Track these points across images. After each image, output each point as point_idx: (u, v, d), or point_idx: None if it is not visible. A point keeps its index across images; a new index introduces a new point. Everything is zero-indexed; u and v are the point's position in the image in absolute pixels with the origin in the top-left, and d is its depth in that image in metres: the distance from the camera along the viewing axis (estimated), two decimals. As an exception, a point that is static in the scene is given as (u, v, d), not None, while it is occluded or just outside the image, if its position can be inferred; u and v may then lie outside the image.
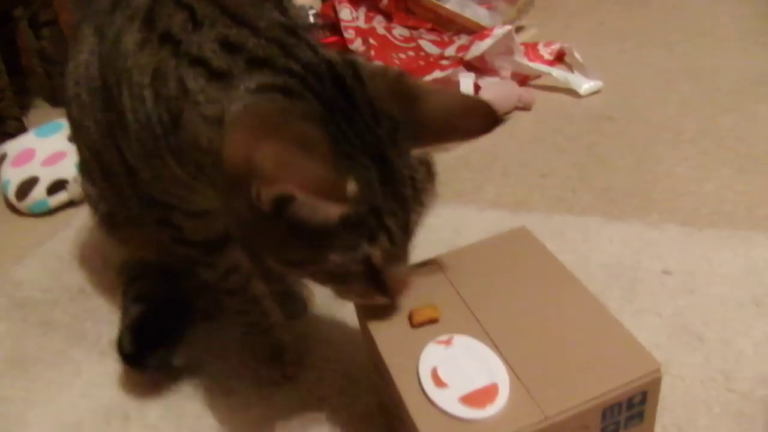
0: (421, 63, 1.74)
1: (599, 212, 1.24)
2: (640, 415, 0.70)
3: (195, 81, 0.72)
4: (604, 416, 0.67)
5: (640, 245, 1.14)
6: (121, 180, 0.94)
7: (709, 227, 1.17)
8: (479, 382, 0.68)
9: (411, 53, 1.81)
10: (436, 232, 1.24)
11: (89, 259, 1.35)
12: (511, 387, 0.67)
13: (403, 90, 0.70)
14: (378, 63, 0.73)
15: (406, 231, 0.72)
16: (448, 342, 0.73)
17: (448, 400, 0.67)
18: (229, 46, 0.72)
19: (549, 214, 1.25)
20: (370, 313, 0.80)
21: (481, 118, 0.72)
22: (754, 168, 1.32)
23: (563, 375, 0.68)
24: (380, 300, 0.76)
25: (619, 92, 1.64)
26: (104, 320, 1.18)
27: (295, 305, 1.11)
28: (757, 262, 1.08)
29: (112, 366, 1.08)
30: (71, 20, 1.98)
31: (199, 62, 0.73)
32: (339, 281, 0.75)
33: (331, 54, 0.73)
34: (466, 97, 0.69)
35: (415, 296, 0.80)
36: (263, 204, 0.63)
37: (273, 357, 1.02)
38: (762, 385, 0.90)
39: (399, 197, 0.70)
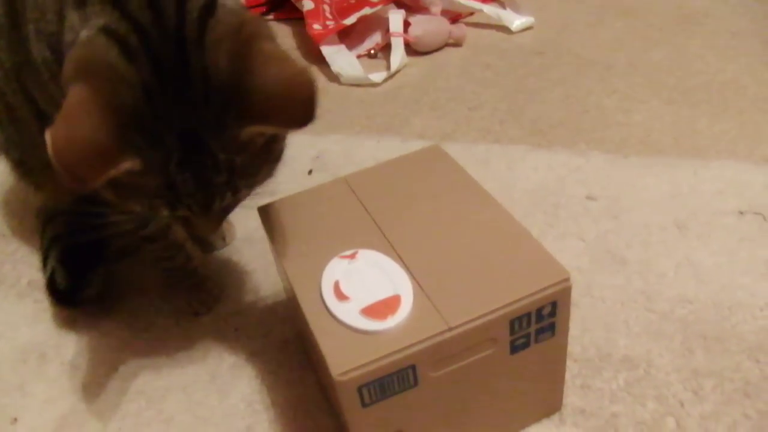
0: (352, 1, 1.69)
1: (526, 142, 1.22)
2: (551, 328, 0.68)
3: (67, 7, 0.67)
4: (512, 328, 0.65)
5: (565, 172, 1.12)
6: (31, 126, 0.89)
7: (635, 155, 1.16)
8: (381, 294, 0.65)
9: (342, -9, 1.76)
10: (360, 165, 1.20)
11: (9, 202, 1.29)
12: (414, 298, 0.65)
13: (244, 58, 0.63)
14: (237, 17, 0.65)
15: (208, 210, 0.69)
16: (352, 256, 0.70)
17: (349, 312, 0.64)
18: None
19: (475, 144, 1.22)
20: (277, 231, 0.77)
21: (300, 107, 0.63)
22: (682, 100, 1.30)
23: (469, 286, 0.65)
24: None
25: (551, 28, 1.62)
26: (24, 262, 1.14)
27: (216, 238, 1.08)
28: (681, 186, 1.07)
29: (30, 306, 1.05)
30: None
31: None
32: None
33: (192, 5, 0.64)
34: (293, 76, 0.62)
35: (322, 214, 0.77)
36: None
37: (191, 289, 0.98)
38: (681, 304, 0.89)
39: (201, 180, 0.65)
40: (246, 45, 0.63)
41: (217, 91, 0.63)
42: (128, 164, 0.61)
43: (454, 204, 0.75)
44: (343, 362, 0.60)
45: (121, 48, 0.62)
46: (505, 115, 1.31)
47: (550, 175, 1.12)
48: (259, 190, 0.74)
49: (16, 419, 0.89)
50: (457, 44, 1.59)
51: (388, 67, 1.51)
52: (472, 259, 0.68)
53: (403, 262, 0.69)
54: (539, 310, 0.65)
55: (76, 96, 0.60)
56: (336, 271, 0.68)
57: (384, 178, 0.81)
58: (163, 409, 0.87)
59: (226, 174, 0.66)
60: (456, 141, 1.24)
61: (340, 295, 0.66)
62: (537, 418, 0.78)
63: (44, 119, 0.83)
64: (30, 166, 1.02)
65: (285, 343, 0.92)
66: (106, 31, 0.62)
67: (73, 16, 0.66)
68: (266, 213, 0.80)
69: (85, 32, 0.63)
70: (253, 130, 0.65)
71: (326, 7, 1.65)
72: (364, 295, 0.65)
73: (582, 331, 0.87)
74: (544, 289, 0.64)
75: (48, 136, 0.58)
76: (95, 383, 0.92)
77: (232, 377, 0.89)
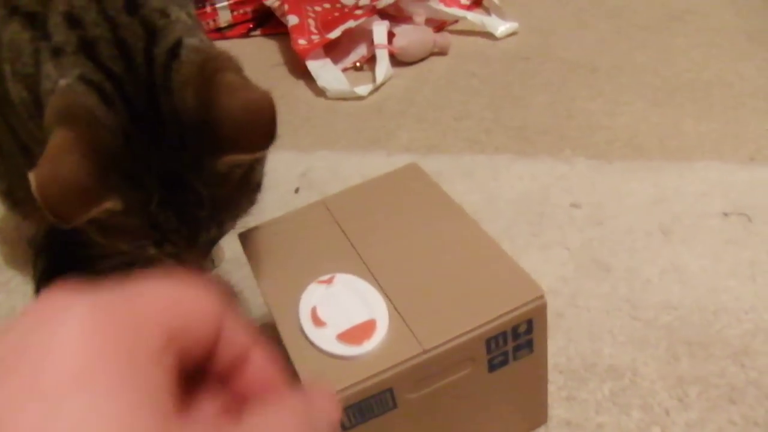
0: (336, 15, 1.70)
1: (512, 151, 1.22)
2: (529, 345, 0.68)
3: (43, 55, 0.68)
4: (488, 347, 0.65)
5: (550, 180, 1.13)
6: (17, 158, 0.90)
7: (620, 160, 1.16)
8: (357, 319, 0.65)
9: (327, 5, 1.76)
10: (347, 182, 1.21)
11: (3, 232, 1.30)
12: (390, 321, 0.65)
13: (209, 92, 0.64)
14: (201, 54, 0.66)
15: (195, 244, 0.70)
16: (329, 281, 0.70)
17: (325, 338, 0.64)
18: (71, 19, 0.67)
19: (460, 155, 1.23)
20: (257, 257, 0.77)
21: (263, 129, 0.64)
22: (667, 100, 1.30)
23: (444, 307, 0.66)
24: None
25: (536, 33, 1.62)
26: (17, 292, 1.14)
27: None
28: (666, 191, 1.07)
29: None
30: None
31: (45, 36, 0.68)
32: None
33: (158, 51, 0.66)
34: (254, 101, 0.64)
35: (301, 238, 0.78)
36: None
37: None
38: (665, 311, 0.89)
39: (184, 216, 0.67)
40: (209, 80, 0.64)
41: (189, 129, 0.64)
42: (110, 204, 0.62)
43: (430, 224, 0.75)
44: (318, 389, 0.61)
45: (99, 94, 0.63)
46: (491, 124, 1.32)
47: (534, 184, 1.13)
48: (244, 216, 0.76)
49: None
50: (442, 53, 1.60)
51: (374, 80, 1.51)
52: (447, 280, 0.68)
53: (380, 285, 0.69)
54: (515, 329, 0.65)
55: (59, 139, 0.61)
56: (313, 296, 0.69)
57: (361, 200, 0.81)
58: None
59: (209, 208, 0.67)
60: (442, 152, 1.25)
61: (317, 321, 0.66)
62: (523, 432, 0.79)
63: (28, 153, 0.84)
64: (17, 197, 1.03)
65: (273, 364, 0.92)
66: (84, 79, 0.64)
67: (48, 66, 0.67)
68: (246, 239, 0.81)
69: (63, 81, 0.65)
70: (227, 161, 0.66)
71: (311, 22, 1.66)
72: (341, 320, 0.66)
73: (567, 341, 0.88)
74: (519, 307, 0.65)
75: (32, 176, 0.59)
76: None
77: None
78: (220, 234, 0.73)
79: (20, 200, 1.03)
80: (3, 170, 1.00)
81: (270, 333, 0.94)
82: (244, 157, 0.68)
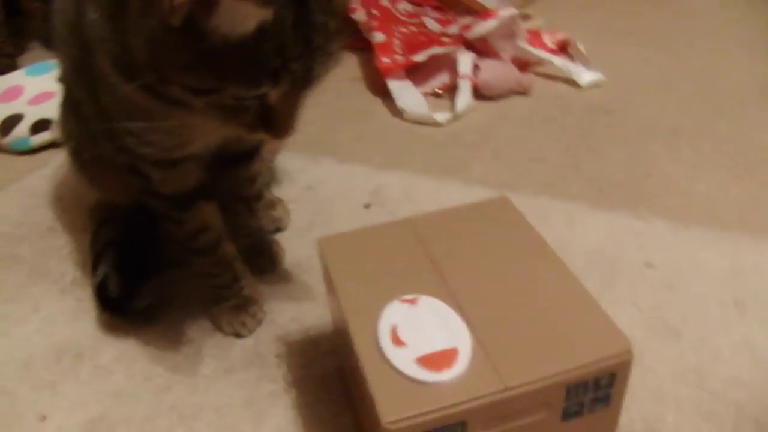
0: (423, 39, 1.70)
1: (587, 200, 1.21)
2: (607, 399, 0.67)
3: None
4: (568, 395, 0.64)
5: (625, 236, 1.11)
6: (92, 121, 0.91)
7: (698, 226, 1.13)
8: (439, 345, 0.64)
9: (413, 28, 1.77)
10: (419, 204, 1.21)
11: (63, 198, 1.31)
12: (472, 353, 0.64)
13: None
14: None
15: (308, 78, 0.69)
16: (412, 301, 0.69)
17: (404, 359, 0.63)
18: None
19: (535, 197, 1.21)
20: (337, 266, 0.76)
21: None
22: (747, 173, 1.28)
23: (529, 347, 0.64)
24: (264, 135, 0.74)
25: (620, 87, 1.61)
26: (70, 259, 1.15)
27: (264, 261, 1.08)
28: (743, 264, 1.05)
29: (71, 305, 1.05)
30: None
31: None
32: (231, 114, 0.72)
33: None
34: None
35: (384, 254, 0.77)
36: (175, 16, 0.61)
37: (235, 310, 0.98)
38: (735, 387, 0.87)
39: (308, 43, 0.67)
40: None
41: None
42: (264, 13, 0.62)
43: (519, 260, 0.74)
44: (393, 410, 0.60)
45: None
46: (567, 170, 1.30)
47: (609, 237, 1.11)
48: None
49: (45, 417, 0.89)
50: (523, 93, 1.59)
51: (453, 109, 1.51)
52: (534, 319, 0.67)
53: (464, 314, 0.68)
54: (597, 380, 0.64)
55: None
56: (395, 314, 0.68)
57: (450, 225, 0.80)
58: (194, 427, 0.86)
59: (323, 36, 0.67)
60: (516, 191, 1.23)
61: (397, 340, 0.65)
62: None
63: (105, 115, 0.84)
64: (85, 159, 1.03)
65: (325, 377, 0.91)
66: None
67: None
68: (327, 245, 0.80)
69: None
70: None
71: (397, 42, 1.66)
72: (422, 343, 0.64)
73: (630, 401, 0.85)
74: (605, 359, 0.63)
75: None
76: (128, 392, 0.92)
77: (268, 405, 0.88)
78: (323, 73, 0.71)
79: (87, 162, 1.04)
80: (77, 130, 1.01)
81: (328, 344, 0.94)
82: None
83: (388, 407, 0.60)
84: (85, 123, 0.95)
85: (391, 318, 0.67)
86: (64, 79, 1.00)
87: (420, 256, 0.76)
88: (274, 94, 0.69)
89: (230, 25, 0.62)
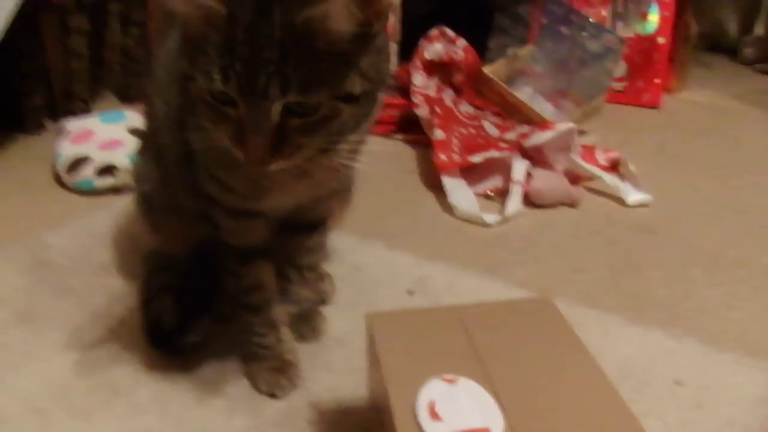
0: (481, 141, 1.77)
1: (623, 314, 1.24)
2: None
3: None
4: (589, 489, 0.67)
5: (657, 352, 1.14)
6: (172, 167, 0.98)
7: (731, 351, 1.16)
8: (473, 423, 0.68)
9: (472, 130, 1.84)
10: (460, 297, 1.25)
11: (118, 241, 1.39)
12: (503, 436, 0.67)
13: None
14: None
15: (257, 89, 0.71)
16: (452, 381, 0.73)
17: (439, 433, 0.67)
18: None
19: (572, 305, 1.25)
20: (383, 339, 0.81)
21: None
22: (784, 308, 1.31)
23: (557, 436, 0.68)
24: (240, 156, 0.76)
25: (665, 210, 1.65)
26: (118, 298, 1.21)
27: (307, 329, 1.13)
28: (772, 393, 1.07)
29: (114, 341, 1.12)
30: (157, 29, 2.07)
31: None
32: (217, 117, 0.76)
33: None
34: None
35: (429, 336, 0.81)
36: None
37: (273, 371, 1.03)
38: None
39: (258, 51, 0.70)
40: None
41: None
42: (215, 4, 0.70)
43: (557, 357, 0.78)
44: (426, 479, 0.63)
45: None
46: (606, 284, 1.34)
47: (642, 351, 1.14)
48: (346, 146, 0.82)
49: (75, 443, 0.94)
50: (571, 205, 1.64)
51: (503, 212, 1.56)
52: (565, 414, 0.71)
53: (499, 400, 0.71)
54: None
55: None
56: (434, 390, 0.72)
57: (494, 317, 0.85)
58: (220, 480, 0.90)
59: (277, 52, 0.70)
60: (555, 296, 1.26)
61: (434, 415, 0.69)
62: None
63: (188, 161, 0.91)
64: (155, 202, 1.10)
65: (354, 450, 0.94)
66: None
67: None
68: (375, 319, 0.84)
69: None
70: (310, 14, 0.70)
71: (455, 141, 1.73)
72: (457, 420, 0.68)
73: None
74: (629, 458, 0.66)
75: None
76: (157, 433, 0.96)
77: (293, 465, 0.92)
78: (277, 96, 0.72)
79: (155, 208, 1.11)
80: (152, 177, 1.09)
81: (359, 418, 0.97)
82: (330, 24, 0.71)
83: (421, 476, 0.63)
84: (164, 170, 1.02)
85: (431, 394, 0.71)
86: (149, 127, 1.07)
87: (463, 342, 0.80)
88: (241, 106, 0.73)
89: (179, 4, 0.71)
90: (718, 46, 2.89)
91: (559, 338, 0.82)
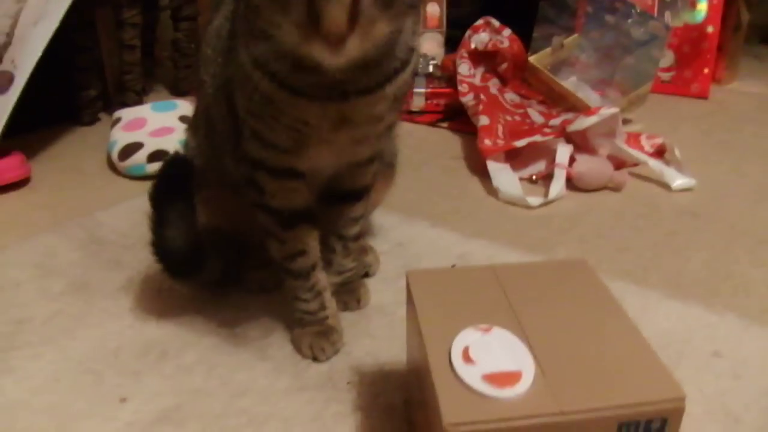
0: (525, 128, 1.79)
1: (663, 291, 1.25)
2: (656, 446, 0.71)
3: None
4: (619, 431, 0.68)
5: (697, 325, 1.14)
6: (222, 137, 1.02)
7: (772, 327, 1.16)
8: (505, 366, 0.70)
9: (517, 117, 1.86)
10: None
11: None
12: (534, 379, 0.69)
13: None
14: None
15: None
16: (486, 330, 0.75)
17: (471, 375, 0.69)
18: None
19: (614, 281, 1.25)
20: (421, 294, 0.83)
21: None
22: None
23: (588, 382, 0.70)
24: (316, 45, 0.72)
25: (710, 195, 1.65)
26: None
27: (350, 299, 1.16)
28: (812, 366, 1.07)
29: (163, 307, 1.18)
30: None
31: None
32: (280, 7, 0.72)
33: None
34: None
35: (465, 291, 0.84)
36: None
37: (316, 336, 1.06)
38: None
39: None
40: None
41: None
42: None
43: (589, 311, 0.80)
44: (455, 414, 0.66)
45: None
46: (648, 263, 1.35)
47: (680, 324, 1.14)
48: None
49: (125, 399, 0.98)
50: (615, 189, 1.65)
51: (546, 195, 1.58)
52: (596, 360, 0.72)
53: (531, 347, 0.74)
54: (649, 422, 0.68)
55: None
56: (468, 338, 0.74)
57: (528, 275, 0.87)
58: (262, 431, 0.93)
59: None
60: (596, 273, 1.29)
61: (467, 359, 0.71)
62: None
63: (236, 129, 0.95)
64: (207, 177, 1.14)
65: (391, 408, 0.96)
66: None
67: None
68: (414, 276, 0.87)
69: None
70: None
71: (500, 127, 1.75)
72: (489, 363, 0.70)
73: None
74: (658, 402, 0.68)
75: None
76: (205, 391, 1.00)
77: (334, 423, 0.94)
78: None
79: (207, 182, 1.14)
80: (205, 149, 1.14)
81: (398, 379, 1.00)
82: None
83: (450, 411, 0.66)
84: (216, 144, 1.06)
85: (465, 340, 0.74)
86: (201, 104, 1.12)
87: (498, 297, 0.82)
88: None
89: None
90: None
91: (594, 296, 0.84)
